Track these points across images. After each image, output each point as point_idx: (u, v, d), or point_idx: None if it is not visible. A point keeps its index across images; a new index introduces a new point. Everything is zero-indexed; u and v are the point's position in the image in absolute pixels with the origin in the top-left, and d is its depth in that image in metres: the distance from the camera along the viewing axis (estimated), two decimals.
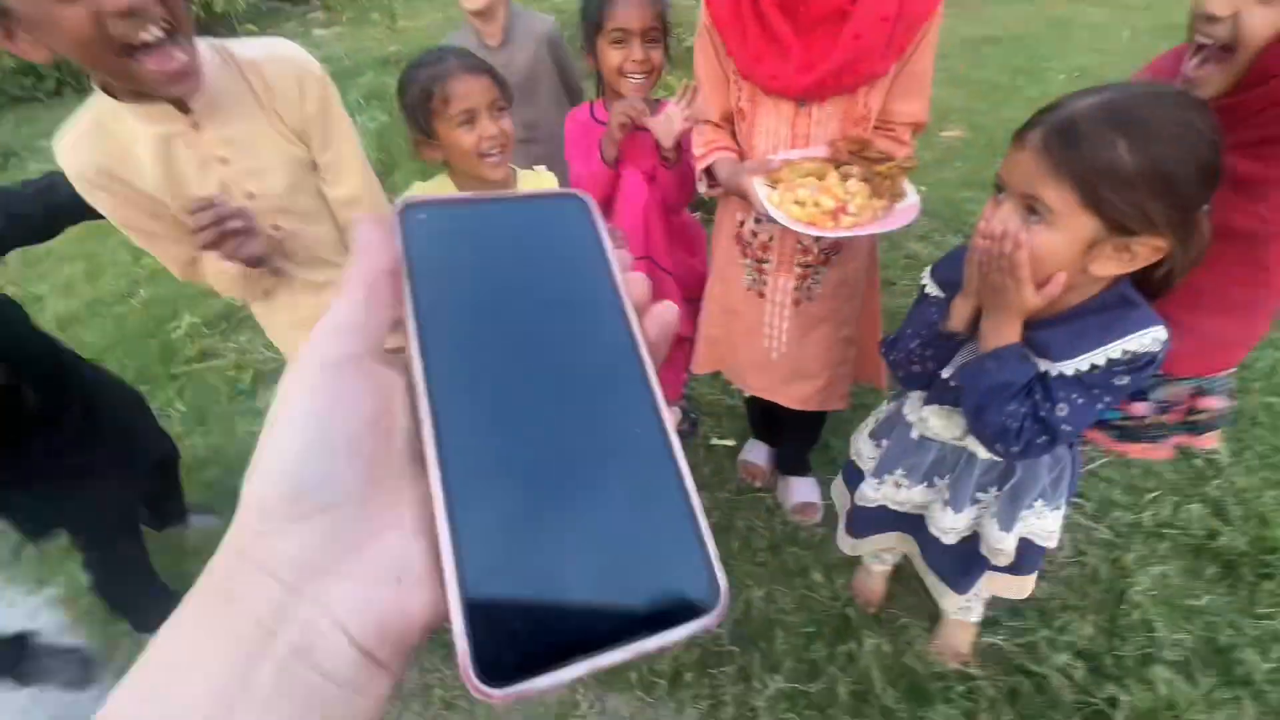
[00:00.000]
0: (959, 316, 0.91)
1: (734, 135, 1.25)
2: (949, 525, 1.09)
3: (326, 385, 0.18)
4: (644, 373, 0.21)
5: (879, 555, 1.42)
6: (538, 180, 1.35)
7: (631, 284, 0.22)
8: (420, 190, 1.29)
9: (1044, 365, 0.86)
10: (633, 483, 0.19)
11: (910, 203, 1.11)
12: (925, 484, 1.11)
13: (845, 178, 1.13)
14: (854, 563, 1.59)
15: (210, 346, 2.49)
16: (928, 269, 1.02)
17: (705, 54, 1.20)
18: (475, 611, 0.16)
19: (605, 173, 1.39)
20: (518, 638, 0.16)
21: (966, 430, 1.01)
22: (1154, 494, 1.68)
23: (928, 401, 1.06)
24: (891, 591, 1.52)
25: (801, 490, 1.71)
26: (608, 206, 1.44)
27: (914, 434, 1.09)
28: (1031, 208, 0.77)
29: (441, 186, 1.28)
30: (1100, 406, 0.83)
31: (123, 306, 2.84)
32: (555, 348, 0.20)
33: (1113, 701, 1.28)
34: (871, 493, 1.17)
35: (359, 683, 0.16)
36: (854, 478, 1.26)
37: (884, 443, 1.17)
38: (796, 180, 1.12)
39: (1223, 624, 1.41)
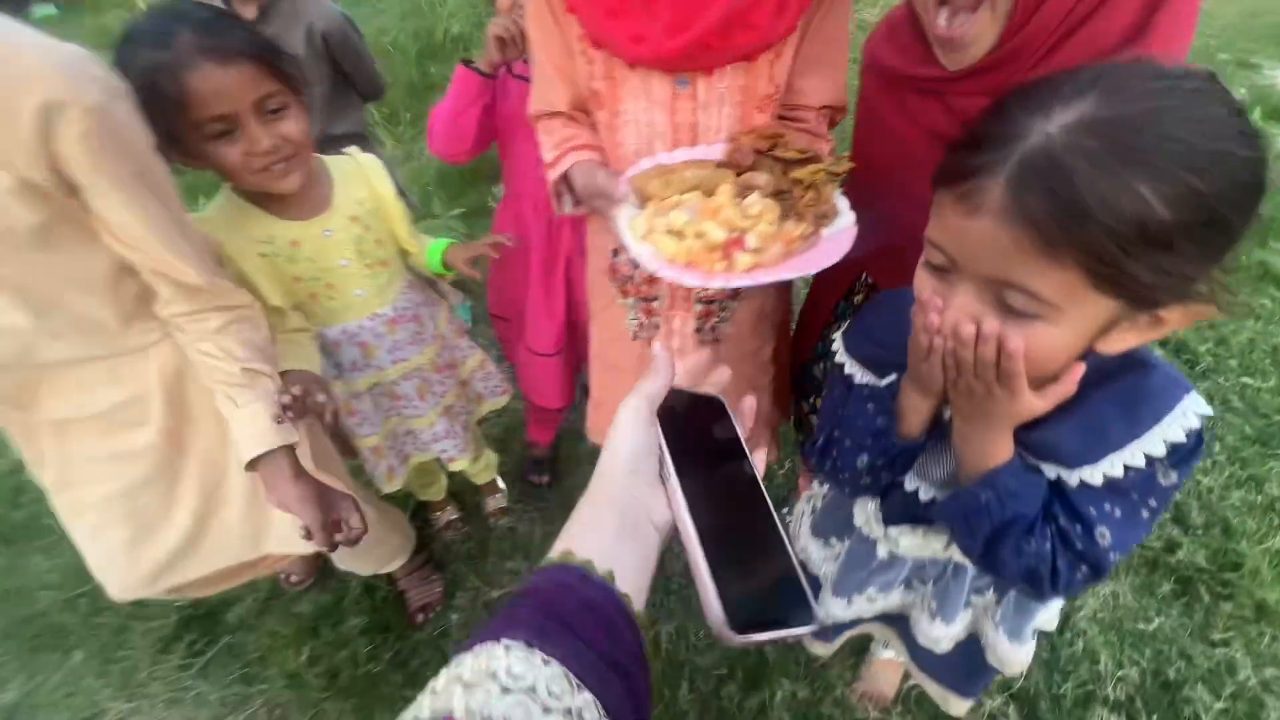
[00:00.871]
0: (917, 421, 0.64)
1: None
2: (939, 635, 0.88)
3: (640, 421, 0.43)
4: (762, 489, 0.43)
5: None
6: (358, 166, 1.04)
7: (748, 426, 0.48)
8: (200, 220, 0.93)
9: (1054, 470, 0.60)
10: (760, 537, 0.40)
11: (843, 226, 0.80)
12: (903, 586, 0.89)
13: (746, 191, 0.80)
14: None
15: None
16: (839, 340, 0.74)
17: (539, 15, 0.85)
18: (723, 594, 0.35)
19: (471, 79, 1.15)
20: (749, 606, 0.36)
21: (950, 542, 0.78)
22: None
23: (890, 520, 0.81)
24: None
25: None
26: (463, 128, 1.21)
27: (881, 553, 0.85)
28: (1009, 297, 0.49)
29: (235, 213, 0.94)
30: (1146, 515, 0.59)
31: None
32: (726, 466, 0.45)
33: None
34: (841, 613, 0.94)
35: (659, 535, 0.41)
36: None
37: (834, 543, 0.94)
38: (673, 197, 0.80)
39: (1174, 653, 1.28)
